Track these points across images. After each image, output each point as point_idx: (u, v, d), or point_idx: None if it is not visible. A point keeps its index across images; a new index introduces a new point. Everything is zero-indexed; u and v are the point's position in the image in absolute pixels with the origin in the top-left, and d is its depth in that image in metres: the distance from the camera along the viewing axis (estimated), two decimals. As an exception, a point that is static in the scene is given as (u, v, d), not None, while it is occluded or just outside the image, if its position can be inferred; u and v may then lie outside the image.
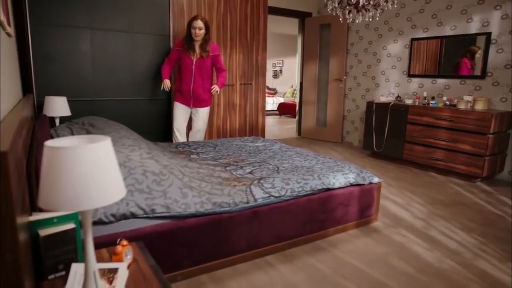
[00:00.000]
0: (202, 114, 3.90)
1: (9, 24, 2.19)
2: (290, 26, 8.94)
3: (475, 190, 3.76)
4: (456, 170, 4.11)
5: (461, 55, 4.43)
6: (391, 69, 5.35)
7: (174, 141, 3.92)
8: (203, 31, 3.57)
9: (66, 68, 3.38)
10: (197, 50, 3.66)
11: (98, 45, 3.52)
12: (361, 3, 3.33)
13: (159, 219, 1.94)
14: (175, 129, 3.89)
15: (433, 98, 4.68)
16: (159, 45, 3.87)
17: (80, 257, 1.28)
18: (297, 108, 7.05)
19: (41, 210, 1.30)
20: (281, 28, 10.15)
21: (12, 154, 0.95)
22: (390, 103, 4.82)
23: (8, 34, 2.15)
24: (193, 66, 3.69)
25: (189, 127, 4.02)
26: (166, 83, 3.66)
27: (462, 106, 4.11)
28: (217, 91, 3.80)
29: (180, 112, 3.86)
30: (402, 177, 4.20)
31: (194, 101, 3.82)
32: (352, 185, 2.64)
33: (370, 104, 5.08)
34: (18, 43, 3.03)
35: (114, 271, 1.21)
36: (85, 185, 0.85)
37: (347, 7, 3.49)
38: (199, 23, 3.53)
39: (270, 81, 12.58)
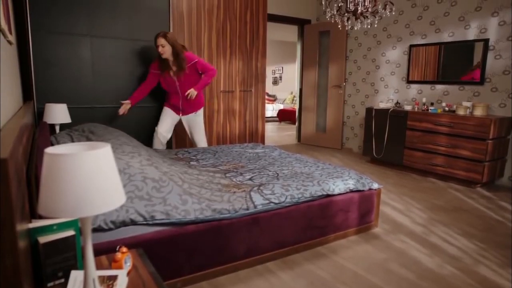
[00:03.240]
0: (198, 120, 3.83)
1: (10, 32, 2.20)
2: (290, 33, 8.99)
3: (475, 195, 3.75)
4: (455, 176, 4.11)
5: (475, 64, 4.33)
6: (390, 75, 5.38)
7: (154, 144, 3.75)
8: (167, 48, 3.43)
9: (67, 75, 3.39)
10: (173, 68, 3.55)
11: (98, 52, 3.54)
12: (359, 11, 3.36)
13: (159, 226, 1.93)
14: (157, 132, 3.71)
15: (432, 104, 4.70)
16: (159, 52, 3.89)
17: (80, 264, 1.28)
18: (296, 114, 7.07)
19: (41, 217, 1.30)
20: (280, 35, 10.21)
21: (12, 161, 0.96)
22: (390, 109, 4.83)
23: (9, 42, 2.17)
24: (177, 84, 3.60)
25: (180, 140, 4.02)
26: (125, 105, 3.52)
27: (461, 112, 4.13)
28: (191, 96, 3.53)
29: (167, 117, 3.75)
30: (401, 183, 4.20)
31: (184, 112, 3.77)
32: (352, 191, 2.64)
33: (369, 110, 5.09)
34: (19, 50, 3.05)
35: (114, 278, 1.21)
36: (85, 192, 0.85)
37: (346, 14, 3.52)
38: (160, 41, 3.40)
39: (269, 88, 12.62)
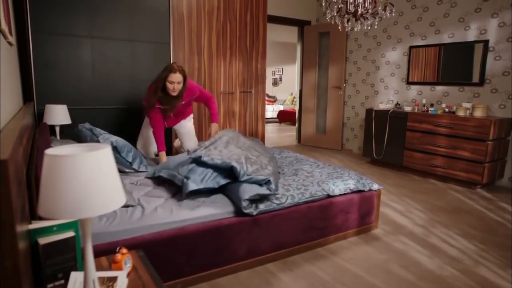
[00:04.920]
0: (189, 125, 3.44)
1: (10, 33, 2.21)
2: (290, 34, 9.00)
3: (475, 196, 3.75)
4: (455, 177, 4.11)
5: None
6: (390, 76, 5.38)
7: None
8: (181, 85, 2.95)
9: (67, 76, 3.40)
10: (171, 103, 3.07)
11: (99, 53, 3.54)
12: (359, 12, 3.36)
13: (158, 227, 1.93)
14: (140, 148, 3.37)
15: (432, 105, 4.70)
16: (159, 53, 3.89)
17: (80, 265, 1.28)
18: (296, 115, 7.07)
19: (41, 218, 1.30)
20: (280, 36, 10.22)
21: (13, 162, 0.96)
22: (390, 110, 4.83)
23: (10, 43, 2.17)
24: (170, 115, 3.19)
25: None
26: (163, 157, 3.01)
27: (461, 113, 4.13)
28: (216, 132, 3.20)
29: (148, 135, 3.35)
30: (402, 184, 4.20)
31: (175, 122, 3.39)
32: (352, 192, 2.64)
33: (369, 111, 5.10)
34: (19, 51, 3.05)
35: (114, 279, 1.21)
36: (85, 193, 0.85)
37: (346, 15, 3.52)
38: (177, 77, 2.87)
39: (269, 89, 12.62)
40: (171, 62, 3.97)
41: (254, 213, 2.14)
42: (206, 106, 3.29)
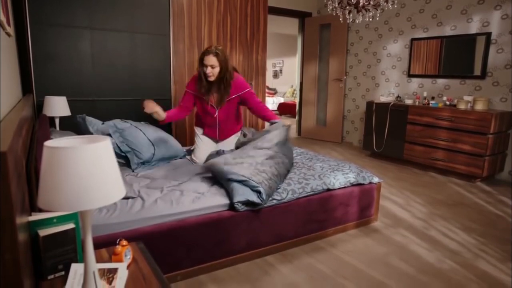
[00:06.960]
0: (230, 142, 3.10)
1: (8, 24, 2.19)
2: (290, 26, 8.93)
3: (475, 190, 3.75)
4: (456, 170, 4.11)
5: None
6: (391, 69, 5.35)
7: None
8: (217, 69, 2.71)
9: (66, 67, 3.38)
10: (215, 94, 2.85)
11: (98, 45, 3.52)
12: (361, 3, 3.33)
13: (158, 219, 1.94)
14: (194, 160, 3.03)
15: (433, 98, 4.68)
16: (159, 45, 3.87)
17: (80, 257, 1.28)
18: (297, 108, 7.05)
19: (40, 210, 1.30)
20: (281, 28, 10.15)
21: (12, 154, 0.95)
22: (390, 103, 4.82)
23: (8, 34, 2.15)
24: (216, 115, 2.93)
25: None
26: (159, 115, 2.73)
27: (462, 106, 4.11)
28: (285, 124, 2.95)
29: (205, 146, 3.07)
30: (402, 177, 4.20)
31: (222, 137, 3.11)
32: (352, 185, 2.64)
33: (370, 104, 5.08)
34: (18, 42, 3.03)
35: (114, 271, 1.21)
36: (85, 185, 0.85)
37: (347, 7, 3.49)
38: (210, 60, 2.67)
39: (270, 81, 12.57)
40: (171, 52, 3.95)
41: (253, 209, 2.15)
42: (255, 114, 3.03)
